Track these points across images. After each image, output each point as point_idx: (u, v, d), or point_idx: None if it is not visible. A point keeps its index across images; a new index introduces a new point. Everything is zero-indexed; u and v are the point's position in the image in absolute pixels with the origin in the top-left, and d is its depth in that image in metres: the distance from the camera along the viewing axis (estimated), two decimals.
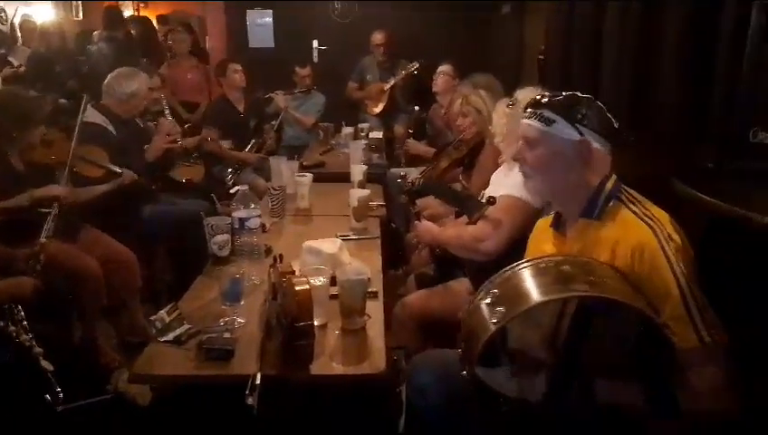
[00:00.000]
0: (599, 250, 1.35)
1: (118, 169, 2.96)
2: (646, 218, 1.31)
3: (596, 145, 1.39)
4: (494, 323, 1.18)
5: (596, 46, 2.60)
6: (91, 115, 3.11)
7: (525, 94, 2.21)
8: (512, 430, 1.38)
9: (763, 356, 1.39)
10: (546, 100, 1.42)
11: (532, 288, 1.21)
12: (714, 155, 1.81)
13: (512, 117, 2.18)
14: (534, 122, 1.42)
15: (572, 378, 1.23)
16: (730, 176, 1.76)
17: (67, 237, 2.74)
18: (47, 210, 2.53)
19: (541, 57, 3.62)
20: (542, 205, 2.05)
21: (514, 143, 2.16)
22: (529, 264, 1.28)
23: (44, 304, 2.42)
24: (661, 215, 1.33)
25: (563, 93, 1.42)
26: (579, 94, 1.41)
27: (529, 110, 1.45)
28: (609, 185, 1.39)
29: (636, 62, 2.20)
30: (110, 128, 3.20)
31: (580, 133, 1.37)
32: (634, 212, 1.34)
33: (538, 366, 1.28)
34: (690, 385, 1.22)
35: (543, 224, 1.59)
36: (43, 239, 2.45)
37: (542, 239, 1.57)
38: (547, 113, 1.40)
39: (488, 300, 1.24)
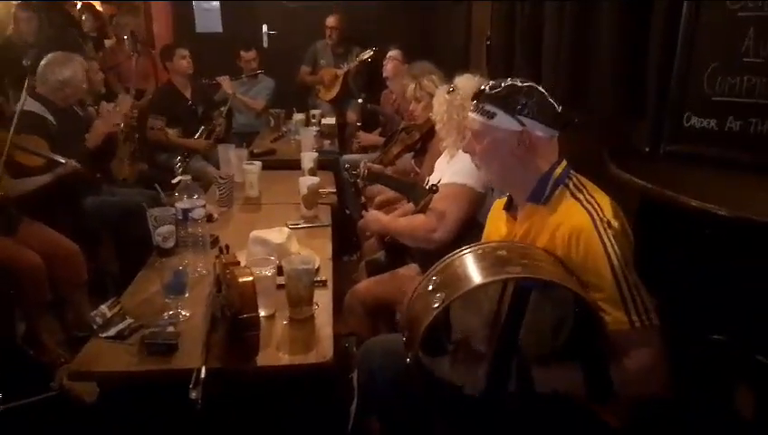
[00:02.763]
0: (542, 234, 1.38)
1: (60, 159, 2.86)
2: (587, 205, 1.35)
3: (539, 133, 1.41)
4: (435, 308, 1.21)
5: (537, 32, 2.63)
6: (29, 104, 2.98)
7: (465, 82, 2.23)
8: (456, 412, 1.41)
9: (693, 335, 1.45)
10: (487, 92, 1.43)
11: (471, 273, 1.24)
12: (648, 139, 1.86)
13: (451, 104, 2.20)
14: (477, 116, 1.45)
15: (510, 366, 1.26)
16: (664, 159, 1.81)
17: (5, 231, 2.64)
18: None
19: (488, 42, 3.64)
20: (485, 189, 2.09)
21: (454, 130, 2.20)
22: (468, 251, 1.31)
23: None
24: (604, 201, 1.37)
25: (503, 83, 1.42)
26: (518, 84, 1.42)
27: (473, 103, 1.47)
28: (557, 171, 1.42)
29: (573, 48, 2.24)
30: (49, 117, 3.08)
31: (521, 123, 1.40)
32: (577, 199, 1.37)
33: (479, 356, 1.30)
34: (622, 367, 1.26)
35: (499, 204, 1.63)
36: None
37: (497, 218, 1.61)
38: (488, 106, 1.42)
39: (430, 287, 1.27)
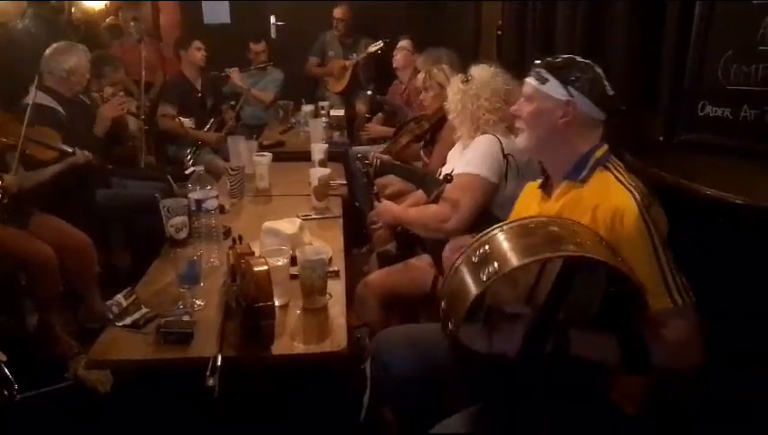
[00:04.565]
0: (579, 211, 1.38)
1: (71, 150, 2.88)
2: (629, 186, 1.36)
3: (584, 108, 1.42)
4: (485, 281, 1.21)
5: (550, 22, 2.62)
6: (38, 97, 2.99)
7: (479, 71, 2.22)
8: (483, 392, 1.43)
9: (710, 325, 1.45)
10: (548, 60, 1.48)
11: (523, 247, 1.24)
12: (663, 128, 1.85)
13: (465, 93, 2.19)
14: (532, 80, 1.49)
15: (549, 329, 1.27)
16: (679, 148, 1.81)
17: (18, 224, 2.66)
18: None
19: (499, 32, 3.63)
20: (499, 179, 2.09)
21: (468, 120, 2.20)
22: (515, 223, 1.32)
23: None
24: (643, 186, 1.37)
25: (565, 56, 1.48)
26: (578, 58, 1.46)
27: (533, 69, 1.50)
28: (598, 153, 1.44)
29: (587, 37, 2.23)
30: (59, 108, 3.10)
31: (570, 94, 1.42)
32: (618, 179, 1.38)
33: (514, 320, 1.31)
34: (661, 340, 1.28)
35: (532, 185, 1.64)
36: None
37: (530, 199, 1.62)
38: (544, 72, 1.46)
39: (475, 259, 1.27)
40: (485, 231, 1.33)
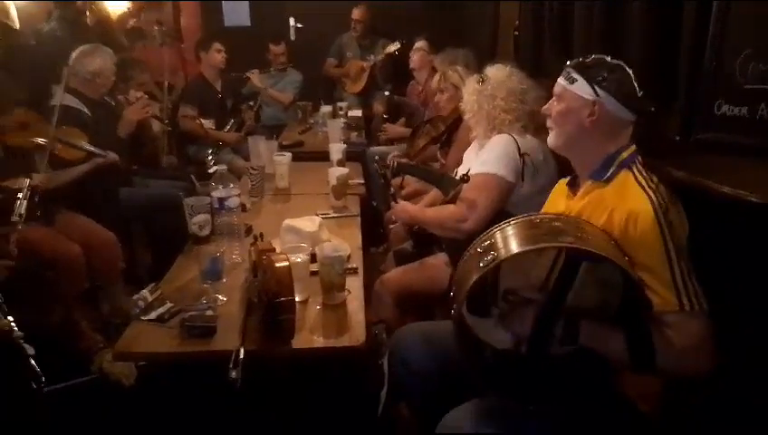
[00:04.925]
0: (599, 211, 1.40)
1: (100, 151, 2.94)
2: (648, 189, 1.36)
3: (610, 108, 1.44)
4: (482, 267, 1.27)
5: (567, 19, 2.62)
6: (65, 99, 3.07)
7: (495, 72, 2.24)
8: (493, 384, 1.45)
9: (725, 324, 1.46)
10: (578, 60, 1.50)
11: (523, 238, 1.30)
12: (679, 126, 1.86)
13: (481, 94, 2.21)
14: (562, 80, 1.52)
15: (557, 318, 1.31)
16: (695, 147, 1.81)
17: (44, 222, 2.73)
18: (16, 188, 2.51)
19: (516, 33, 3.64)
20: (515, 178, 2.10)
21: (484, 120, 2.22)
22: (524, 218, 1.37)
23: (22, 288, 2.42)
24: (664, 188, 1.39)
25: (595, 56, 1.50)
26: (607, 59, 1.48)
27: (564, 69, 1.53)
28: (624, 154, 1.45)
29: (603, 37, 2.23)
30: (84, 109, 3.17)
31: (596, 94, 1.44)
32: (640, 183, 1.39)
33: (527, 306, 1.36)
34: (669, 342, 1.29)
35: (562, 183, 1.66)
36: (15, 218, 2.44)
37: (558, 196, 1.65)
38: (573, 73, 1.49)
39: (480, 249, 1.33)
40: (497, 224, 1.38)
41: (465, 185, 2.11)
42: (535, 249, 1.29)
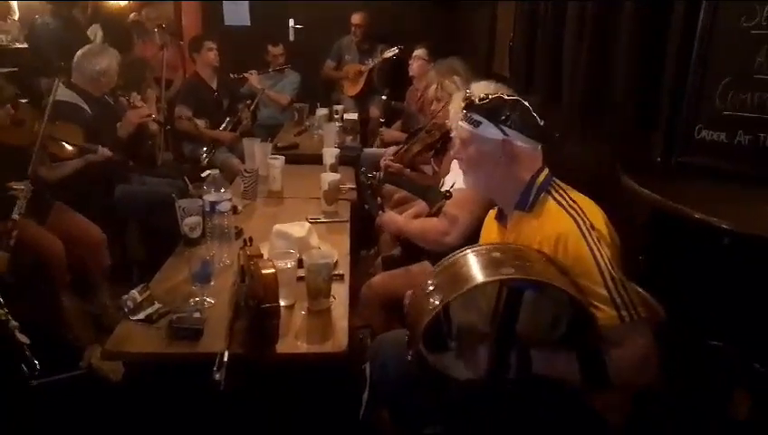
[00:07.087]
0: (529, 240, 1.45)
1: (92, 147, 2.97)
2: (570, 210, 1.41)
3: (520, 143, 1.49)
4: (433, 309, 1.31)
5: (557, 42, 2.68)
6: (63, 94, 3.10)
7: (481, 88, 2.27)
8: (457, 404, 1.49)
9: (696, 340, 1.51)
10: (476, 103, 1.53)
11: (466, 274, 1.32)
12: (661, 150, 1.92)
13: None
14: (465, 124, 1.55)
15: (510, 350, 1.35)
16: (676, 170, 1.87)
17: (38, 216, 2.75)
18: (19, 188, 2.55)
19: (511, 44, 3.69)
20: None
21: None
22: (465, 253, 1.39)
23: (16, 279, 2.46)
24: (586, 204, 1.44)
25: (491, 96, 1.53)
26: (505, 97, 1.52)
27: (463, 112, 1.56)
28: (540, 179, 1.50)
29: (590, 60, 2.29)
30: (84, 105, 3.20)
31: (504, 133, 1.48)
32: (560, 203, 1.44)
33: (480, 343, 1.39)
34: (616, 357, 1.33)
35: (491, 214, 1.70)
36: (15, 216, 2.48)
37: (490, 229, 1.69)
38: (475, 116, 1.52)
39: (428, 289, 1.36)
40: (441, 261, 1.41)
41: (447, 200, 2.15)
42: (478, 285, 1.30)
